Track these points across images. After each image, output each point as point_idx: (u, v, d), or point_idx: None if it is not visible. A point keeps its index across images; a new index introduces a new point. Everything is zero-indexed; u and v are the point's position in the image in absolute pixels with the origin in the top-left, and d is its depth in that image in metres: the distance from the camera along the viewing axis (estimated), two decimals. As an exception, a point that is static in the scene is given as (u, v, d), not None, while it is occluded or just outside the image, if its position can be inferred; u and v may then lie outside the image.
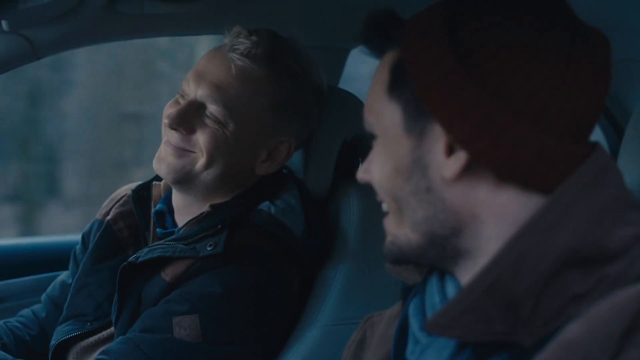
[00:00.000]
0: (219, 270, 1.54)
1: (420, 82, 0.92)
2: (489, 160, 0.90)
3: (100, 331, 1.66)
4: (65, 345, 1.68)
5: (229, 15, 1.99)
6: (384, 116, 0.96)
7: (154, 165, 1.65)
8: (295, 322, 1.65)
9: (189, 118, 1.58)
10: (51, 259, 2.21)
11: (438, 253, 0.95)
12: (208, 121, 1.58)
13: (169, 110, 1.63)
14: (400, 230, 0.97)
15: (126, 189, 1.82)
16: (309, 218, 1.67)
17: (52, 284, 1.87)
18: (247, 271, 1.55)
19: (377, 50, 1.00)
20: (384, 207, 1.01)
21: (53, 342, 1.68)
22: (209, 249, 1.54)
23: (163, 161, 1.61)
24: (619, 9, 2.01)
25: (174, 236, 1.62)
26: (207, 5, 1.85)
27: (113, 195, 1.83)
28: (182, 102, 1.62)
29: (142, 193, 1.73)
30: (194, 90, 1.59)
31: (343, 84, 2.23)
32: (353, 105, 1.78)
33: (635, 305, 0.80)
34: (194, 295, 1.52)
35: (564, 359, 0.79)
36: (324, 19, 2.09)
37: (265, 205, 1.63)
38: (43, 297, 1.86)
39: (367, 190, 1.04)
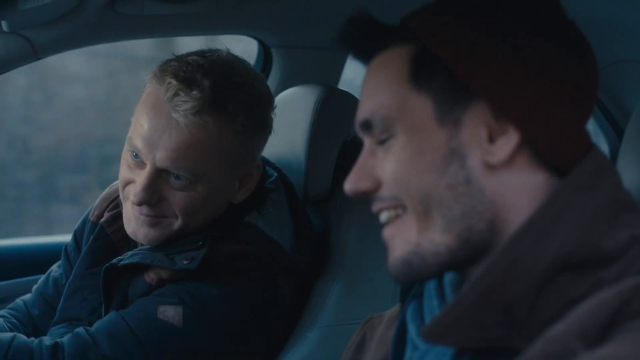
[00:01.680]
0: (207, 276, 1.53)
1: (463, 66, 0.90)
2: (540, 141, 0.91)
3: None
4: None
5: (229, 15, 1.99)
6: (410, 109, 0.93)
7: (126, 229, 1.58)
8: (292, 325, 1.65)
9: (155, 189, 1.51)
10: (51, 259, 2.20)
11: (467, 254, 0.91)
12: (176, 185, 1.51)
13: (127, 175, 1.54)
14: (424, 236, 0.92)
15: (118, 188, 1.78)
16: (298, 229, 1.64)
17: (44, 278, 1.85)
18: (233, 277, 1.53)
19: (364, 54, 0.99)
20: (384, 217, 0.97)
21: None
22: (184, 262, 1.52)
23: (138, 230, 1.56)
24: (618, 9, 2.01)
25: (156, 245, 1.59)
26: (207, 5, 1.85)
27: (104, 194, 1.79)
28: (133, 162, 1.53)
29: None
30: (151, 158, 1.50)
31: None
32: (353, 106, 1.78)
33: (616, 300, 0.80)
34: (183, 291, 1.52)
35: (545, 350, 0.79)
36: (324, 19, 2.09)
37: (252, 216, 1.59)
38: (34, 290, 1.84)
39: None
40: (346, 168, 1.78)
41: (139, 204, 1.52)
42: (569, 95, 0.92)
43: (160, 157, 1.49)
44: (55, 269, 1.86)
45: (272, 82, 2.23)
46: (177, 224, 1.54)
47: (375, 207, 0.97)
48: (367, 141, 0.97)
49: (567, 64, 0.93)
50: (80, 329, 1.53)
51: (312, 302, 1.67)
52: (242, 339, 1.54)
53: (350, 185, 0.97)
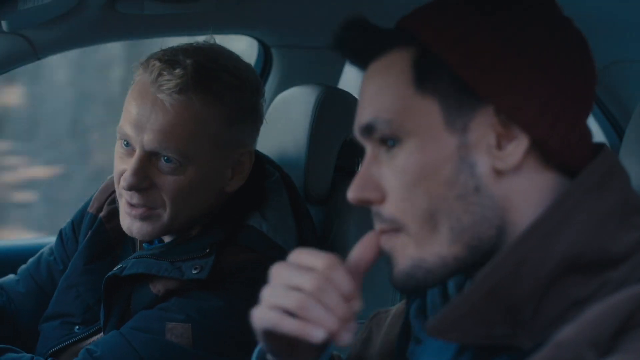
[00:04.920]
0: (215, 287, 1.50)
1: (469, 70, 0.88)
2: (549, 143, 0.89)
3: (92, 336, 1.63)
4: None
5: (229, 15, 1.99)
6: (416, 113, 0.90)
7: (122, 226, 1.55)
8: None
9: (144, 174, 1.49)
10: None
11: (475, 260, 0.90)
12: (165, 169, 1.49)
13: (120, 166, 1.53)
14: (427, 251, 0.90)
15: None
16: (301, 232, 1.62)
17: (35, 260, 1.79)
18: (242, 288, 1.50)
19: (362, 59, 0.97)
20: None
21: (44, 349, 1.66)
22: (194, 272, 1.49)
23: (132, 225, 1.53)
24: (618, 9, 2.01)
25: (160, 251, 1.57)
26: (207, 5, 1.85)
27: (103, 186, 1.75)
28: (124, 151, 1.52)
29: None
30: (139, 142, 1.48)
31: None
32: (353, 106, 1.77)
33: (627, 307, 0.79)
34: (190, 306, 1.49)
35: (554, 355, 0.79)
36: (324, 19, 2.09)
37: (255, 220, 1.57)
38: (21, 270, 1.79)
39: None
40: (346, 168, 1.80)
41: (129, 188, 1.49)
42: (574, 94, 0.91)
43: (148, 139, 1.48)
44: (47, 252, 1.80)
45: (272, 82, 2.23)
46: (167, 215, 1.51)
47: (376, 225, 0.96)
48: (369, 147, 0.95)
49: (570, 63, 0.91)
50: (85, 354, 1.50)
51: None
52: (250, 350, 1.53)
53: (354, 193, 0.94)
